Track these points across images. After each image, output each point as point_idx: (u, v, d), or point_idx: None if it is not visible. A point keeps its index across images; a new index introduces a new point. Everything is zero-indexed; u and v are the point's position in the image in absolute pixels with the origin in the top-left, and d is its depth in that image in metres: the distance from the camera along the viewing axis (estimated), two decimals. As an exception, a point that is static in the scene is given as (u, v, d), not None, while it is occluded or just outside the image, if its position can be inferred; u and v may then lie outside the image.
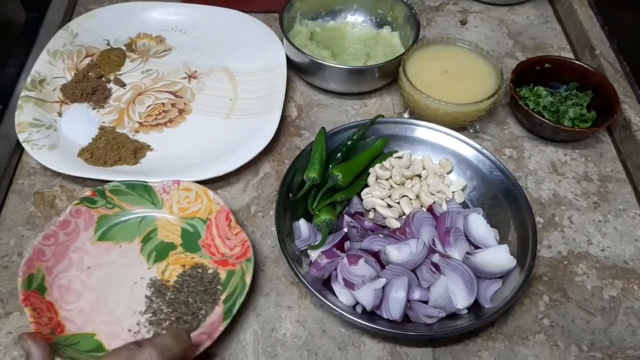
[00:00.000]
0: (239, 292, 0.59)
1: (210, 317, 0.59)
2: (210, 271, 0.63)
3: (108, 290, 0.62)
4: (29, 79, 0.76)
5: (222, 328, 0.56)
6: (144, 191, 0.67)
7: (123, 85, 0.82)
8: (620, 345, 0.60)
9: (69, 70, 0.81)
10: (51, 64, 0.80)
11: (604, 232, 0.70)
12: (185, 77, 0.84)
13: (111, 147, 0.73)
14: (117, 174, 0.69)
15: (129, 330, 0.59)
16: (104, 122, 0.77)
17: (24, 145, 0.70)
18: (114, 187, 0.66)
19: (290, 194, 0.66)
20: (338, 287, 0.60)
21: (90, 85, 0.79)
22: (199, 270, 0.63)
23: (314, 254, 0.63)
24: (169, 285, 0.62)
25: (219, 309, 0.59)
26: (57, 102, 0.78)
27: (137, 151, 0.73)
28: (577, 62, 0.83)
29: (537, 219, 0.70)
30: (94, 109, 0.79)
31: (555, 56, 0.85)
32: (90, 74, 0.81)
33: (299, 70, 0.84)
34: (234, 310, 0.57)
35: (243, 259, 0.61)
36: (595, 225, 0.71)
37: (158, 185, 0.67)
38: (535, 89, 0.82)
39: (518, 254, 0.62)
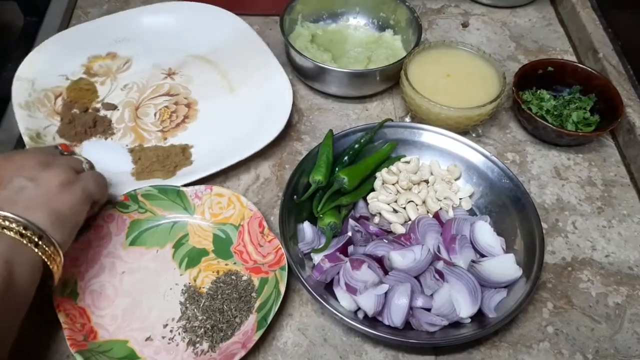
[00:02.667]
0: (273, 301, 0.58)
1: (245, 325, 0.58)
2: (244, 278, 0.62)
3: (141, 296, 0.61)
4: (25, 139, 0.70)
5: (256, 338, 0.55)
6: (176, 196, 0.66)
7: (114, 107, 0.79)
8: (626, 353, 0.60)
9: (50, 116, 0.76)
10: (31, 117, 0.74)
11: (608, 238, 0.69)
12: (166, 77, 0.84)
13: (159, 158, 0.72)
14: (183, 178, 0.69)
15: (163, 337, 0.58)
16: (127, 145, 0.75)
17: None
18: (146, 192, 0.65)
19: (295, 196, 0.65)
20: (340, 291, 0.59)
21: (87, 119, 0.75)
22: (233, 277, 0.62)
23: (317, 258, 0.62)
24: (202, 292, 0.61)
25: (252, 318, 0.58)
26: None
27: (185, 151, 0.74)
28: (581, 66, 0.82)
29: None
30: (105, 139, 0.76)
31: (558, 59, 0.84)
32: (74, 111, 0.77)
33: (300, 73, 0.84)
34: (269, 319, 0.56)
35: (277, 267, 0.60)
36: (599, 230, 0.70)
37: (190, 190, 0.66)
38: (538, 92, 0.81)
39: (524, 263, 0.61)
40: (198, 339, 0.57)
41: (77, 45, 0.84)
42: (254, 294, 0.60)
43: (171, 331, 0.58)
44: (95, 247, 0.63)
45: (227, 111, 0.79)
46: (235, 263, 0.63)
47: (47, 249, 0.51)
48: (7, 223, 0.50)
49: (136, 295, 0.61)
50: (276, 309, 0.57)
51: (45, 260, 0.52)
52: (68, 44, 0.83)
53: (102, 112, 0.78)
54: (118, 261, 0.63)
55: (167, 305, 0.60)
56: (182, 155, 0.73)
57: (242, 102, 0.80)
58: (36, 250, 0.50)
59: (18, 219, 0.50)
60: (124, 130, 0.77)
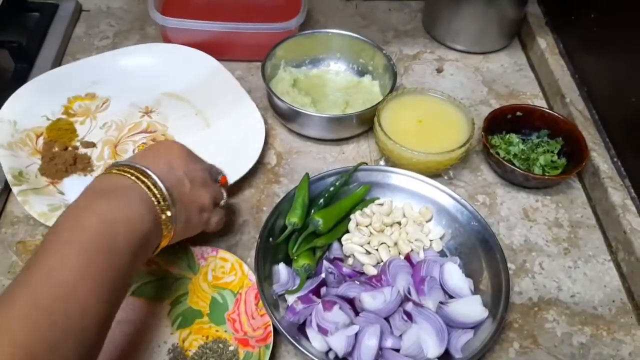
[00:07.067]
0: None
1: None
2: (231, 348, 0.61)
3: (129, 349, 0.60)
4: (8, 177, 0.72)
5: None
6: (183, 253, 0.67)
7: (93, 145, 0.82)
8: (589, 392, 0.61)
9: (33, 155, 0.79)
10: (14, 156, 0.76)
11: (573, 278, 0.72)
12: (143, 115, 0.87)
13: None
14: None
15: None
16: None
17: None
18: None
19: (271, 238, 0.67)
20: (312, 332, 0.60)
21: (67, 157, 0.78)
22: (220, 345, 0.61)
23: (290, 299, 0.64)
24: (187, 354, 0.61)
25: None
26: (48, 184, 0.76)
27: None
28: (548, 111, 0.86)
29: (509, 265, 0.71)
30: (85, 175, 0.78)
31: (527, 105, 0.88)
32: (55, 149, 0.79)
33: (281, 117, 0.87)
34: None
35: (262, 344, 0.60)
36: (565, 271, 0.73)
37: (197, 250, 0.67)
38: (508, 136, 0.84)
39: (491, 304, 0.63)
40: None
41: (58, 86, 0.86)
42: None
43: None
44: None
45: (203, 145, 0.80)
46: (226, 331, 0.63)
47: (170, 228, 0.57)
48: (163, 201, 0.56)
49: (124, 348, 0.60)
50: None
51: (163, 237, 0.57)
52: (49, 86, 0.86)
53: (82, 150, 0.81)
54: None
55: None
56: None
57: (218, 136, 0.84)
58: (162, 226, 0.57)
59: (167, 194, 0.57)
60: (104, 167, 0.79)
